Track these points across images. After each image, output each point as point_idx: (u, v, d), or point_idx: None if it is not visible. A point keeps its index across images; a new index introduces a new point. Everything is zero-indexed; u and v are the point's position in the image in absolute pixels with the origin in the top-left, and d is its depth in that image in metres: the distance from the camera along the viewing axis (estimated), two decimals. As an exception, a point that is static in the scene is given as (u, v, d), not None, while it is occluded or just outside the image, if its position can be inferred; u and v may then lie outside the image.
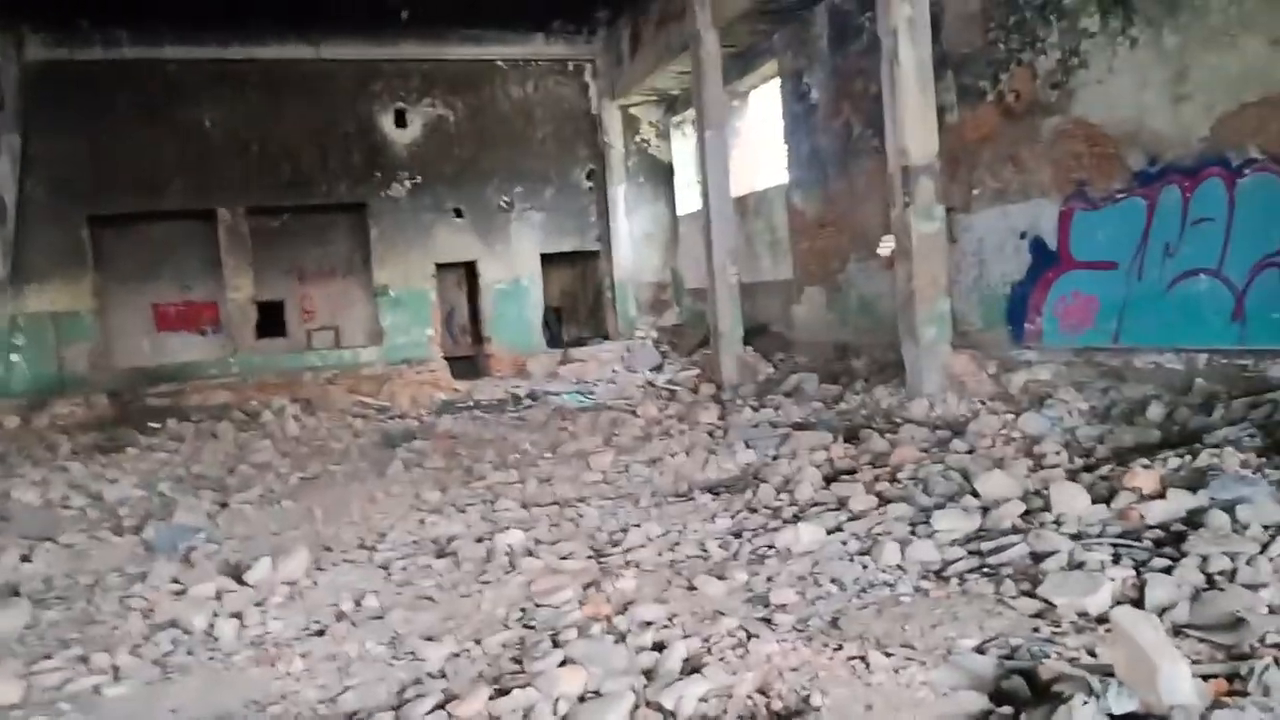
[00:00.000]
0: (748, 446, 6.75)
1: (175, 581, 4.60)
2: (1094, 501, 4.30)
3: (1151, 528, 3.92)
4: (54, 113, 12.51)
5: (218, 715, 3.10)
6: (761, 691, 2.84)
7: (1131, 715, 2.36)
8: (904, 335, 7.87)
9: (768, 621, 3.43)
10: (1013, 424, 6.26)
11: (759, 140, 13.27)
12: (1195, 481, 4.31)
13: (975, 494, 4.69)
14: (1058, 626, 3.12)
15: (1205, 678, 2.54)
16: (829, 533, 4.45)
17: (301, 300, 14.92)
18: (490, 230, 14.84)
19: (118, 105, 12.88)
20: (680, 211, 15.66)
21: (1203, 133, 6.13)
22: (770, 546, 4.39)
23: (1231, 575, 3.29)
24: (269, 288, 14.31)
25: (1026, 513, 4.35)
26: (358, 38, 13.72)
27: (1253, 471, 4.37)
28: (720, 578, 3.97)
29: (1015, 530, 4.15)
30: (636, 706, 2.79)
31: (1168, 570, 3.40)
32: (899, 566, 3.91)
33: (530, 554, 4.64)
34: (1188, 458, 4.70)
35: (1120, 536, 3.84)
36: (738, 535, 4.70)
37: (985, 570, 3.74)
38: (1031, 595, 3.38)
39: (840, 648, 3.09)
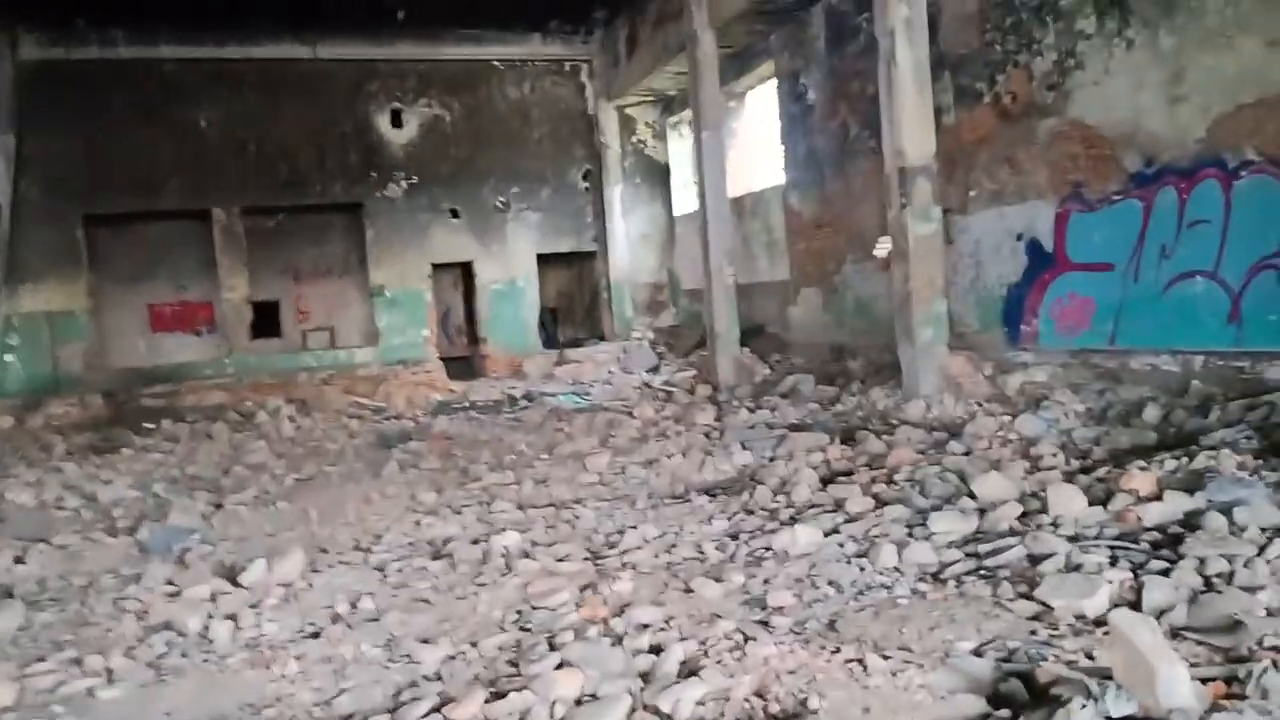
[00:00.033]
0: (744, 448, 6.74)
1: (170, 583, 4.57)
2: (1091, 503, 4.29)
3: (1149, 530, 3.91)
4: (49, 112, 12.47)
5: (212, 718, 3.09)
6: (759, 694, 2.83)
7: (1130, 719, 2.35)
8: (900, 336, 7.87)
9: (765, 624, 3.42)
10: (1009, 426, 6.26)
11: (756, 141, 13.28)
12: (1192, 484, 4.32)
13: (972, 496, 4.69)
14: (1055, 629, 3.12)
15: (1204, 681, 2.53)
16: (826, 535, 4.44)
17: (297, 301, 14.90)
18: (486, 231, 14.82)
19: (113, 105, 12.84)
20: (677, 212, 15.65)
21: (1199, 134, 6.14)
22: (767, 549, 4.38)
23: (1229, 578, 3.29)
24: (264, 288, 14.28)
25: (1024, 515, 4.34)
26: (354, 38, 13.70)
27: (1249, 474, 4.37)
28: (717, 580, 3.96)
29: (1012, 532, 4.14)
30: (634, 710, 2.78)
31: (1165, 573, 3.40)
32: (896, 569, 3.90)
33: (526, 556, 4.63)
34: (1184, 460, 4.70)
35: (1117, 539, 3.84)
36: (734, 537, 4.69)
37: (982, 572, 3.74)
38: (1029, 598, 3.38)
39: (838, 650, 3.08)
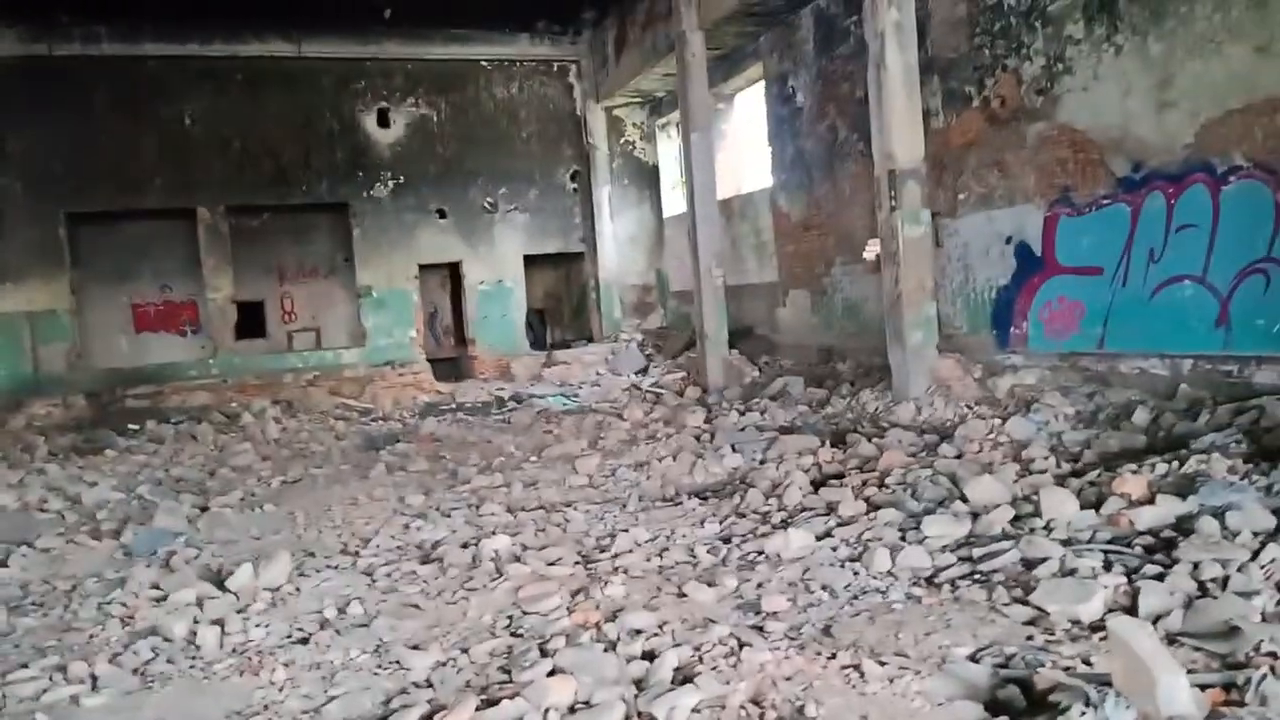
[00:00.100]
0: (735, 450, 6.73)
1: (155, 587, 4.51)
2: (1083, 507, 4.30)
3: (1142, 534, 3.92)
4: (31, 108, 12.32)
5: (199, 726, 3.04)
6: (755, 702, 2.80)
7: (1129, 726, 2.35)
8: (890, 339, 7.87)
9: (760, 629, 3.40)
10: (1000, 429, 6.26)
11: (744, 143, 13.26)
12: (1183, 487, 4.32)
13: (964, 499, 4.68)
14: (1051, 634, 3.11)
15: (1202, 687, 2.52)
16: (819, 538, 4.43)
17: (282, 300, 14.79)
18: (474, 231, 14.75)
19: (97, 102, 12.70)
20: (665, 214, 15.62)
21: (1187, 139, 6.16)
22: (760, 552, 4.37)
23: (1224, 582, 3.29)
24: (249, 288, 14.16)
25: (1016, 518, 4.34)
26: (341, 36, 13.61)
27: (1240, 477, 4.37)
28: (710, 584, 3.93)
29: (1006, 536, 4.14)
30: (628, 717, 2.75)
31: (1160, 577, 3.39)
32: (890, 573, 3.89)
33: (517, 560, 4.59)
34: (1175, 464, 4.71)
35: (1111, 542, 3.84)
36: (727, 541, 4.67)
37: (977, 577, 3.73)
38: (1024, 602, 3.37)
39: (834, 656, 3.06)
